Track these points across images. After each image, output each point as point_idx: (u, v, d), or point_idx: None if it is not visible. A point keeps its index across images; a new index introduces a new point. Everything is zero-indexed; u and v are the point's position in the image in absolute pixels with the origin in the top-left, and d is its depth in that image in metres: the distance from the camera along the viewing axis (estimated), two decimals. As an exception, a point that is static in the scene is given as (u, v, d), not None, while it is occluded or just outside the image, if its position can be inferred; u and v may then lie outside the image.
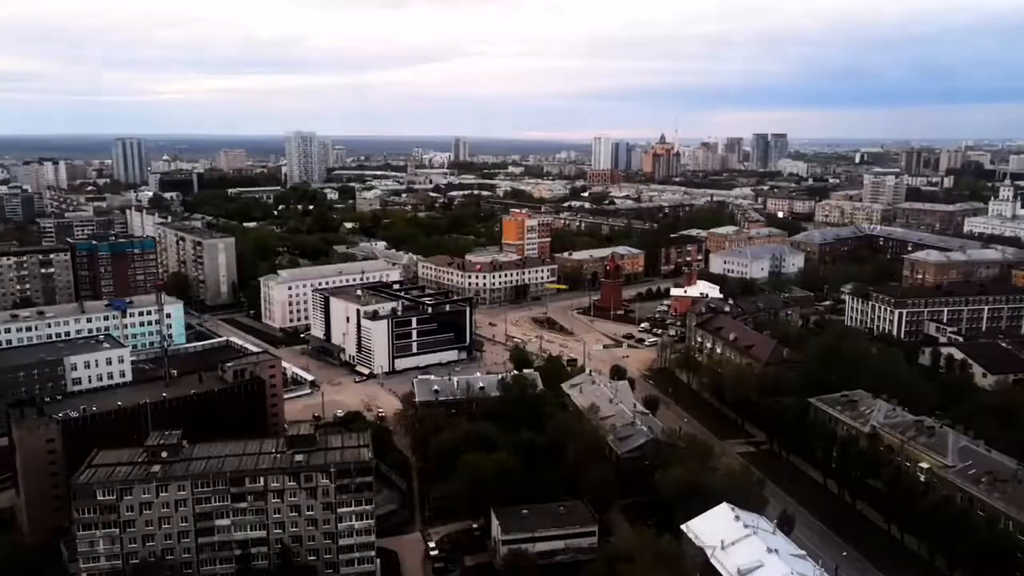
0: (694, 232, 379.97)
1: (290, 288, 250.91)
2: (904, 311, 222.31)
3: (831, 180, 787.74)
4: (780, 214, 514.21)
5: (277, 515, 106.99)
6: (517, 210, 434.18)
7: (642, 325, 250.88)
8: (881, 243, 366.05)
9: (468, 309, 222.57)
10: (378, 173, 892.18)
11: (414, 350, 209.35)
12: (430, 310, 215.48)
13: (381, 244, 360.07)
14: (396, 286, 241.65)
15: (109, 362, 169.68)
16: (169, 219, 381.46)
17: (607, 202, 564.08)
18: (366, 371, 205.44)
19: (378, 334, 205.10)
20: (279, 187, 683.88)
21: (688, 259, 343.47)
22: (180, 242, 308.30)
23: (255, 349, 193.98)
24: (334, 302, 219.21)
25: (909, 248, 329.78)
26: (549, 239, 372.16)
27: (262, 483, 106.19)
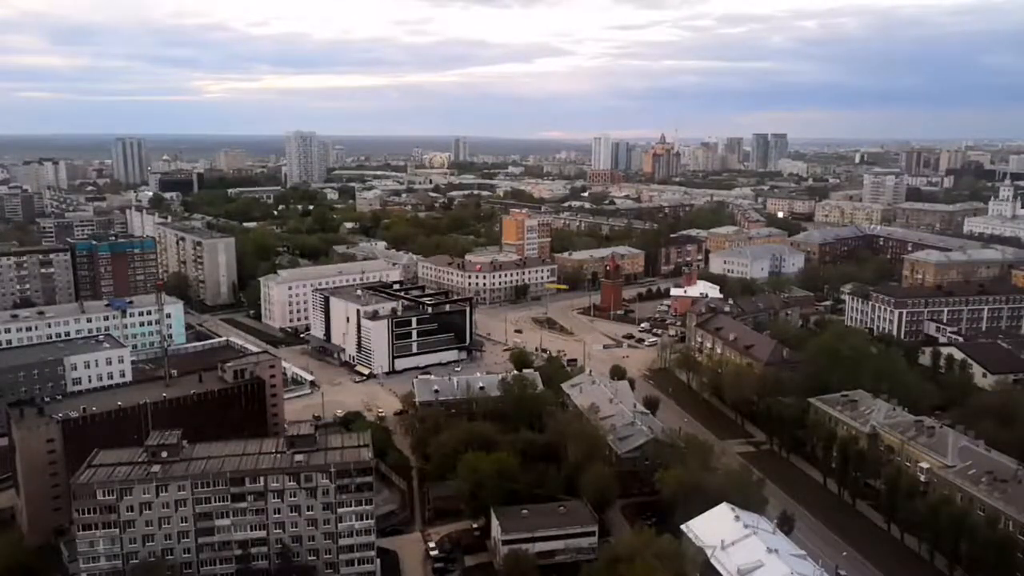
0: (694, 232, 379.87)
1: (290, 288, 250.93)
2: (904, 311, 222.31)
3: (831, 180, 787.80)
4: (780, 214, 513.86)
5: (277, 515, 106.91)
6: (517, 210, 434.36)
7: (642, 325, 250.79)
8: (881, 243, 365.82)
9: (468, 309, 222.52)
10: (378, 173, 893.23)
11: (414, 350, 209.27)
12: (430, 310, 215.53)
13: (381, 244, 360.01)
14: (396, 286, 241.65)
15: (109, 362, 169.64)
16: (169, 219, 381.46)
17: (607, 202, 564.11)
18: (366, 371, 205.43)
19: (378, 334, 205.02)
20: (279, 187, 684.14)
21: (688, 259, 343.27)
22: (180, 242, 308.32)
23: (255, 349, 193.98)
24: (334, 302, 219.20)
25: (909, 248, 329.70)
26: (549, 239, 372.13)
27: (262, 483, 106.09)
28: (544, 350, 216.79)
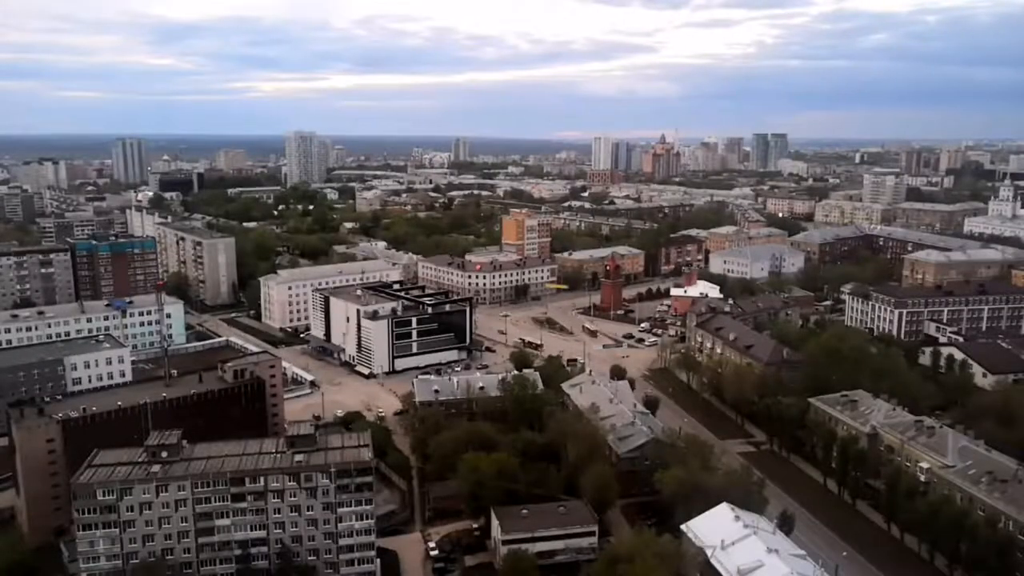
0: (694, 232, 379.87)
1: (290, 288, 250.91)
2: (904, 311, 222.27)
3: (831, 180, 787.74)
4: (780, 214, 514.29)
5: (277, 515, 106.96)
6: (517, 210, 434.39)
7: (642, 325, 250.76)
8: (881, 243, 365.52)
9: (468, 309, 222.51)
10: (378, 173, 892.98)
11: (414, 350, 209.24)
12: (430, 310, 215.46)
13: (381, 244, 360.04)
14: (396, 286, 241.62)
15: (109, 362, 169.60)
16: (169, 219, 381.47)
17: (607, 202, 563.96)
18: (366, 371, 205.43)
19: (378, 334, 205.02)
20: (279, 187, 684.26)
21: (688, 259, 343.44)
22: (180, 242, 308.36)
23: (255, 349, 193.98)
24: (334, 302, 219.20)
25: (909, 248, 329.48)
26: (549, 239, 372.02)
27: (262, 483, 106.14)
28: (531, 344, 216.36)
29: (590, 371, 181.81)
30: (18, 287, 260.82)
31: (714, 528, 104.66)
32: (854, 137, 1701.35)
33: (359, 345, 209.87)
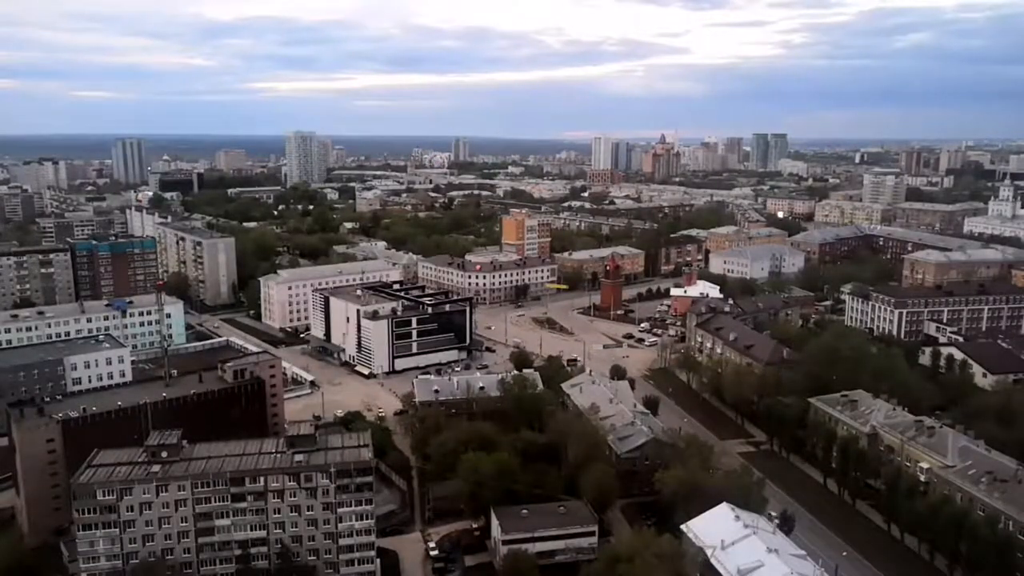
0: (694, 232, 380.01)
1: (290, 288, 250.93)
2: (904, 311, 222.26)
3: (831, 180, 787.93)
4: (780, 214, 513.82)
5: (277, 515, 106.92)
6: (517, 210, 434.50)
7: (642, 325, 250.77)
8: (881, 243, 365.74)
9: (468, 309, 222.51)
10: (378, 173, 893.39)
11: (414, 350, 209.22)
12: (430, 310, 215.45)
13: (381, 244, 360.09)
14: (396, 286, 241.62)
15: (109, 362, 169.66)
16: (169, 219, 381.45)
17: (607, 202, 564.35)
18: (366, 371, 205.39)
19: (378, 334, 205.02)
20: (279, 187, 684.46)
21: (688, 259, 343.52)
22: (180, 242, 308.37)
23: (255, 349, 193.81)
24: (334, 302, 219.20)
25: (909, 248, 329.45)
26: (549, 239, 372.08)
27: (262, 483, 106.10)
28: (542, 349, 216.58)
29: (590, 371, 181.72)
30: (18, 287, 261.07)
31: (714, 528, 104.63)
32: (855, 137, 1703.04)
33: (359, 345, 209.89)
